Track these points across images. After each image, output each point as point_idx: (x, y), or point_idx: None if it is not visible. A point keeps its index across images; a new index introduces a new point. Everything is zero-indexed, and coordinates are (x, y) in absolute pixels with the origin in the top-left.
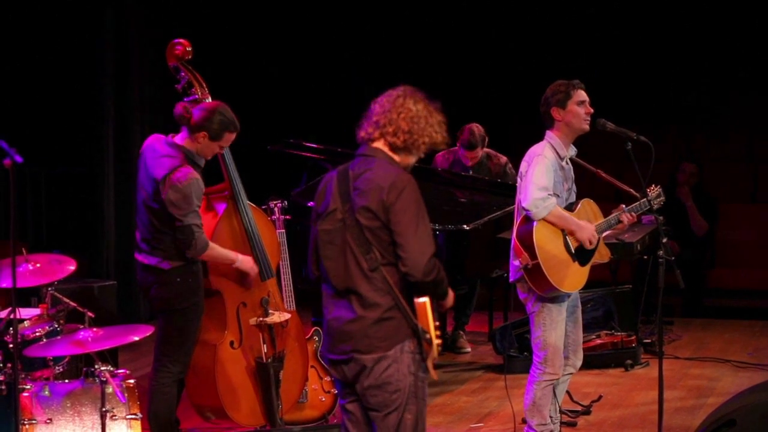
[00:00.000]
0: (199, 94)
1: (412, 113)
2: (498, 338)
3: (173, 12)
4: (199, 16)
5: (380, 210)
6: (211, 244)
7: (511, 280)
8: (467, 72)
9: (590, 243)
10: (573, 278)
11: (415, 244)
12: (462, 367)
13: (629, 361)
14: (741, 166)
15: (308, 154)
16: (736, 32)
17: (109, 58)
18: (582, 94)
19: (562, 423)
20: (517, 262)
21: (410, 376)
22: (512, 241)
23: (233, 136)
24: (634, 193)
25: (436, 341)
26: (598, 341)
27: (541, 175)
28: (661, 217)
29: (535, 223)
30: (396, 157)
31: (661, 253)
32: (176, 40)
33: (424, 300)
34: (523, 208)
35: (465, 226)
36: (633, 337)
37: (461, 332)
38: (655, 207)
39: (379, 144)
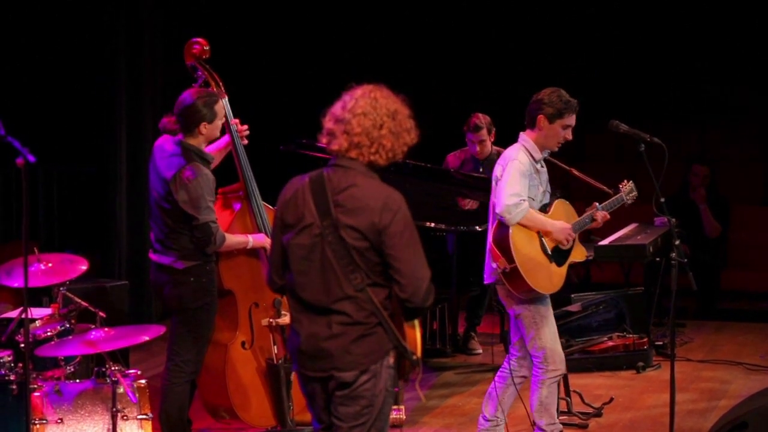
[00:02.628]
0: (216, 93)
1: (391, 126)
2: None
3: (187, 12)
4: (212, 17)
5: (370, 231)
6: (228, 235)
7: (486, 282)
8: (467, 73)
9: (566, 242)
10: (551, 279)
11: (414, 270)
12: (473, 369)
13: (641, 364)
14: (754, 168)
15: (321, 155)
16: (748, 32)
17: (122, 56)
18: (572, 120)
19: (570, 425)
20: (494, 265)
21: (384, 392)
22: (488, 245)
23: (222, 103)
24: (608, 189)
25: (420, 363)
26: (610, 343)
27: (515, 181)
28: (673, 219)
29: (510, 227)
30: (373, 172)
31: (673, 255)
32: (194, 39)
33: (414, 324)
34: (497, 214)
35: (477, 227)
36: (645, 340)
37: (473, 333)
38: (629, 202)
39: (358, 158)
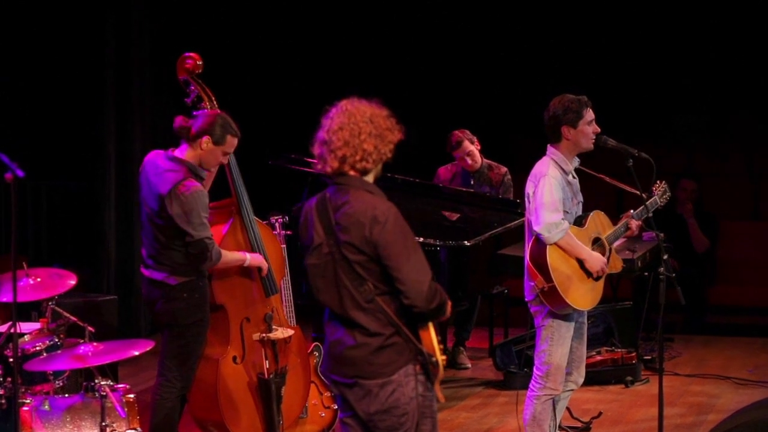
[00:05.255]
0: (209, 107)
1: (370, 130)
2: (498, 354)
3: (175, 27)
4: (201, 32)
5: (364, 245)
6: (224, 251)
7: (526, 299)
8: (455, 86)
9: (597, 275)
10: (588, 296)
11: (412, 275)
12: (462, 383)
13: (629, 378)
14: (741, 183)
15: (310, 170)
16: (737, 50)
17: (110, 72)
18: (591, 113)
19: None
20: (532, 283)
21: (417, 398)
22: (525, 263)
23: (235, 141)
24: (641, 194)
25: (441, 360)
26: (599, 357)
27: (550, 198)
28: (661, 234)
29: (547, 245)
30: (369, 178)
31: (661, 269)
32: (187, 54)
33: (427, 326)
34: (535, 232)
35: (466, 242)
36: (633, 354)
37: (462, 348)
38: (662, 204)
39: (350, 171)
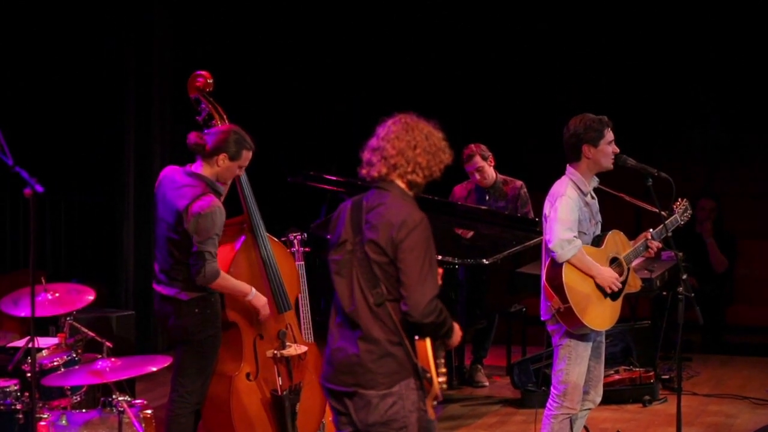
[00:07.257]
0: (220, 125)
1: (425, 146)
2: (516, 372)
3: (193, 44)
4: (219, 49)
5: (389, 246)
6: (224, 275)
7: (543, 318)
8: (470, 103)
9: (609, 290)
10: (605, 316)
11: (418, 285)
12: (480, 401)
13: (647, 397)
14: (760, 203)
15: (328, 187)
16: (757, 68)
17: (130, 87)
18: (611, 134)
19: None
20: (549, 303)
21: (417, 412)
22: (542, 283)
23: (250, 154)
24: (662, 212)
25: (437, 380)
26: (617, 377)
27: (566, 216)
28: (680, 253)
29: (563, 266)
30: (411, 192)
31: (680, 289)
32: (198, 72)
33: (425, 339)
34: (549, 250)
35: (484, 260)
36: (651, 373)
37: (479, 366)
38: (683, 222)
39: (397, 180)
